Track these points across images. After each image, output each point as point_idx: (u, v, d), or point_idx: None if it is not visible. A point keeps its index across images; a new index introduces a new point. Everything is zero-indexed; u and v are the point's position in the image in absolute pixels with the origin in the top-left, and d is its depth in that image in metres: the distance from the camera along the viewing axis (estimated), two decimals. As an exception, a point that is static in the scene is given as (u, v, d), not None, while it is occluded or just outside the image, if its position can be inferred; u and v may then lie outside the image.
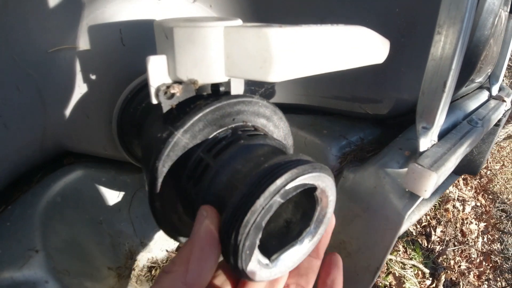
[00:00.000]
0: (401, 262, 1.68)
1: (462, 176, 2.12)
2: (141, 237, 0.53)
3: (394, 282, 1.59)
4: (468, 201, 2.01)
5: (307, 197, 0.36)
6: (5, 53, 0.41)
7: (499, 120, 0.79)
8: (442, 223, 1.89)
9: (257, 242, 0.29)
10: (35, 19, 0.41)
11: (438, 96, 0.46)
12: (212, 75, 0.34)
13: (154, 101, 0.35)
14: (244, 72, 0.33)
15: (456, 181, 2.09)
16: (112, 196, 0.52)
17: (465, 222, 1.91)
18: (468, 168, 0.89)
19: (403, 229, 0.71)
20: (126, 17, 0.46)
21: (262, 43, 0.30)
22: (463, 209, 1.96)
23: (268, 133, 0.39)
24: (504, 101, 0.76)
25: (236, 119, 0.36)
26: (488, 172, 2.19)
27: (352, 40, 0.38)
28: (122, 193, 0.53)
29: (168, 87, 0.34)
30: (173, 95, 0.35)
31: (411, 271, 1.65)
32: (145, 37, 0.47)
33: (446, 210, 1.96)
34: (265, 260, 0.31)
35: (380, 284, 1.55)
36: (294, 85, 0.64)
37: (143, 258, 0.53)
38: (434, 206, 2.01)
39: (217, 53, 0.33)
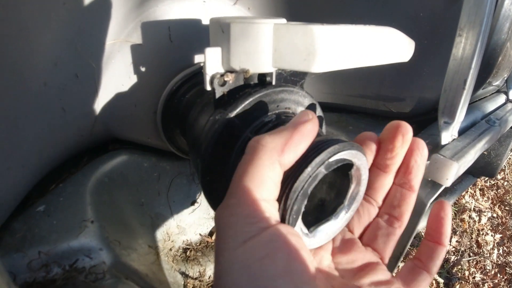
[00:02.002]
0: (415, 272, 1.69)
1: (479, 187, 2.14)
2: (177, 220, 0.59)
3: (407, 292, 1.61)
4: (485, 212, 2.02)
5: (341, 178, 0.41)
6: (69, 43, 0.47)
7: (516, 124, 0.83)
8: (457, 233, 1.90)
9: (303, 208, 0.34)
10: (97, 15, 0.48)
11: (459, 93, 0.51)
12: (261, 66, 0.39)
13: (208, 87, 0.40)
14: (290, 63, 0.38)
15: (472, 191, 2.12)
16: (153, 181, 0.58)
17: (481, 233, 1.92)
18: (485, 170, 0.93)
19: (421, 224, 0.75)
20: (175, 16, 0.52)
21: (308, 38, 0.36)
22: (479, 220, 1.98)
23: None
24: (521, 105, 0.81)
25: (280, 106, 0.41)
26: (506, 183, 2.21)
27: (382, 39, 0.44)
28: (161, 179, 0.58)
29: (222, 75, 0.40)
30: (225, 82, 0.40)
31: (425, 281, 1.66)
32: (191, 35, 0.53)
33: (462, 220, 1.98)
34: (305, 230, 0.36)
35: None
36: (322, 84, 0.69)
37: (179, 240, 0.58)
38: (448, 216, 2.02)
39: (266, 47, 0.39)
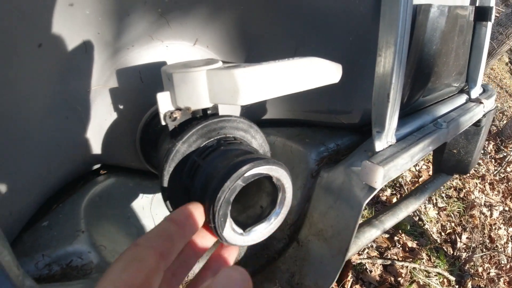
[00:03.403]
0: (425, 271, 1.74)
1: (488, 181, 2.15)
2: (160, 229, 0.71)
3: (418, 291, 1.65)
4: (496, 206, 2.03)
5: (274, 187, 0.51)
6: (58, 94, 0.61)
7: (479, 121, 0.90)
8: (467, 229, 1.92)
9: (229, 213, 0.45)
10: (80, 66, 0.61)
11: (385, 106, 0.61)
12: (200, 103, 0.51)
13: (163, 122, 0.53)
14: (222, 99, 0.50)
15: (482, 186, 2.12)
16: (137, 198, 0.70)
17: (493, 227, 1.93)
18: (458, 168, 1.00)
19: (390, 226, 0.83)
20: (144, 61, 0.65)
21: (231, 80, 0.47)
22: (491, 215, 1.98)
23: (245, 142, 0.56)
24: (481, 103, 0.88)
25: (220, 133, 0.53)
26: (517, 175, 2.19)
27: (304, 69, 0.54)
28: (145, 195, 0.71)
29: (171, 113, 0.52)
30: (175, 118, 0.52)
31: (436, 279, 1.70)
32: (157, 75, 0.66)
33: (472, 216, 1.99)
34: (239, 230, 0.47)
35: (403, 292, 1.63)
36: (283, 103, 0.80)
37: (162, 246, 0.70)
38: (458, 212, 2.04)
39: (202, 88, 0.50)
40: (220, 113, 0.59)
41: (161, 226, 0.36)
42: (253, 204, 0.55)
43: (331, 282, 0.63)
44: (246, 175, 0.44)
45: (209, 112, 0.55)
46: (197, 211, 0.42)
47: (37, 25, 0.48)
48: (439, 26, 0.68)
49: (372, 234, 0.82)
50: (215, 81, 0.49)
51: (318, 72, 0.57)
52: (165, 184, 0.51)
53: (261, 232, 0.50)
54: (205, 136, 0.52)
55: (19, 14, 0.45)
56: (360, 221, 0.62)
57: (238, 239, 0.47)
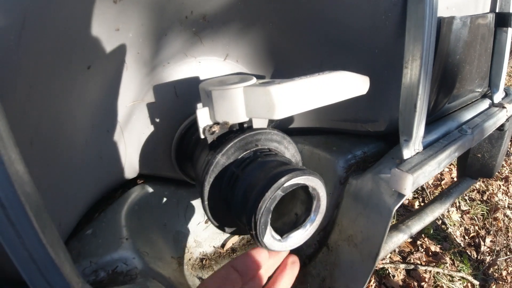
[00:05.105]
0: (449, 275, 1.74)
1: (512, 183, 2.13)
2: (194, 236, 0.75)
3: (442, 295, 1.65)
4: (520, 208, 2.01)
5: (308, 196, 0.55)
6: (101, 110, 0.66)
7: (502, 125, 0.91)
8: (491, 232, 1.91)
9: (269, 221, 0.48)
10: (121, 84, 0.66)
11: (412, 115, 0.63)
12: (237, 117, 0.55)
13: (202, 136, 0.57)
14: (258, 114, 0.54)
15: (505, 188, 2.11)
16: (173, 205, 0.75)
17: (518, 230, 1.91)
18: (482, 171, 1.01)
19: (416, 231, 0.86)
20: (178, 77, 0.70)
21: (267, 97, 0.51)
22: (515, 217, 1.97)
23: (279, 152, 0.59)
24: (504, 107, 0.89)
25: (256, 145, 0.56)
26: (542, 176, 2.17)
27: (335, 82, 0.58)
28: (180, 203, 0.75)
29: (210, 127, 0.56)
30: (214, 132, 0.56)
31: (460, 284, 1.70)
32: (192, 89, 0.70)
33: (496, 219, 1.98)
34: (277, 237, 0.51)
35: (427, 297, 1.63)
36: (309, 113, 0.83)
37: (196, 252, 0.74)
38: (482, 215, 2.03)
39: (239, 103, 0.54)
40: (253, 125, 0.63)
41: (222, 273, 0.46)
42: (287, 211, 0.58)
43: (362, 286, 0.66)
44: (285, 185, 0.48)
45: (245, 125, 0.59)
46: (260, 256, 0.51)
47: (87, 49, 0.53)
48: (462, 36, 0.70)
49: (399, 238, 0.84)
50: (252, 97, 0.53)
51: (348, 85, 0.60)
52: (206, 194, 0.55)
53: (298, 238, 0.53)
54: (243, 148, 0.56)
55: (71, 40, 0.50)
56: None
57: (277, 245, 0.51)
